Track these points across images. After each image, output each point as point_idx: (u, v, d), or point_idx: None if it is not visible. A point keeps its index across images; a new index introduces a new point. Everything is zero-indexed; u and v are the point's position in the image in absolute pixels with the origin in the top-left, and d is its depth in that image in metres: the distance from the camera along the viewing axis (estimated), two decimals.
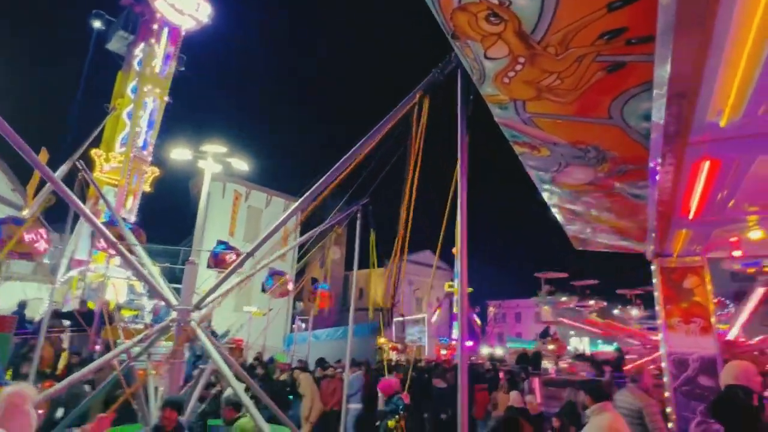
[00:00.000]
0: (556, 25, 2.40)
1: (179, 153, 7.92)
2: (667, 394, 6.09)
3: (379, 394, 9.62)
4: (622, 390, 5.22)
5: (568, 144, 3.87)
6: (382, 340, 25.51)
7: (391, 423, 7.80)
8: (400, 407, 7.61)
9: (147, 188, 20.01)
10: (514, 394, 7.73)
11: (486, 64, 3.01)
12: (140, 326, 12.10)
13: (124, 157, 19.05)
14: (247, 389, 6.20)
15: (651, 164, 3.33)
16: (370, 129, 4.83)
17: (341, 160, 4.83)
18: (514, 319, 54.41)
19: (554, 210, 6.37)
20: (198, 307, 5.71)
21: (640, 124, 3.17)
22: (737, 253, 5.60)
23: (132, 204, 19.10)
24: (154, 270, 6.87)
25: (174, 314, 5.71)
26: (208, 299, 5.69)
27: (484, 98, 3.58)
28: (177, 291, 6.55)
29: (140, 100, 19.95)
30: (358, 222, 8.31)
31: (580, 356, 16.89)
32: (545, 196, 5.73)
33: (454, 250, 4.06)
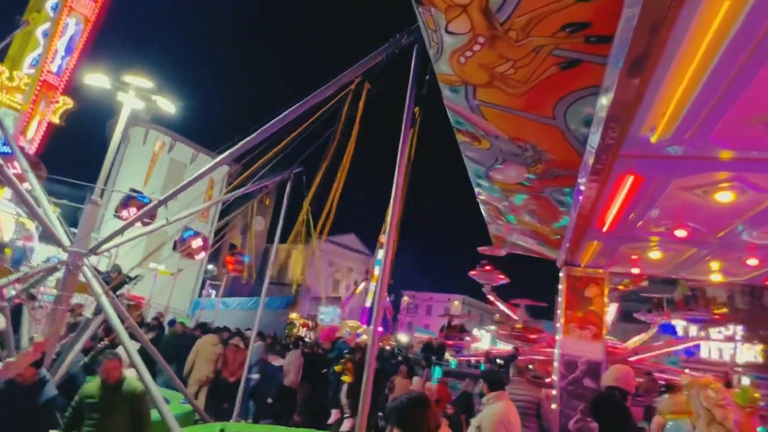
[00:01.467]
0: (523, 7, 2.35)
1: (96, 79, 6.98)
2: (554, 392, 6.53)
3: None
4: (514, 382, 5.49)
5: (509, 139, 3.92)
6: (293, 315, 25.23)
7: (337, 368, 7.65)
8: (345, 351, 7.50)
9: (56, 120, 17.84)
10: (416, 379, 7.89)
11: (445, 39, 2.92)
12: (26, 269, 10.82)
13: (31, 80, 16.82)
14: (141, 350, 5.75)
15: (581, 170, 3.45)
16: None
17: (269, 124, 4.59)
18: (425, 311, 56.30)
19: (482, 207, 6.53)
20: (94, 251, 5.15)
21: (579, 129, 3.26)
22: (635, 270, 6.08)
23: (35, 134, 16.96)
24: (48, 206, 6.10)
25: (65, 256, 5.11)
26: (106, 245, 5.15)
27: (437, 77, 3.50)
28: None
29: (60, 20, 17.62)
30: (287, 190, 8.01)
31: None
32: (477, 190, 5.84)
33: (382, 238, 3.98)
